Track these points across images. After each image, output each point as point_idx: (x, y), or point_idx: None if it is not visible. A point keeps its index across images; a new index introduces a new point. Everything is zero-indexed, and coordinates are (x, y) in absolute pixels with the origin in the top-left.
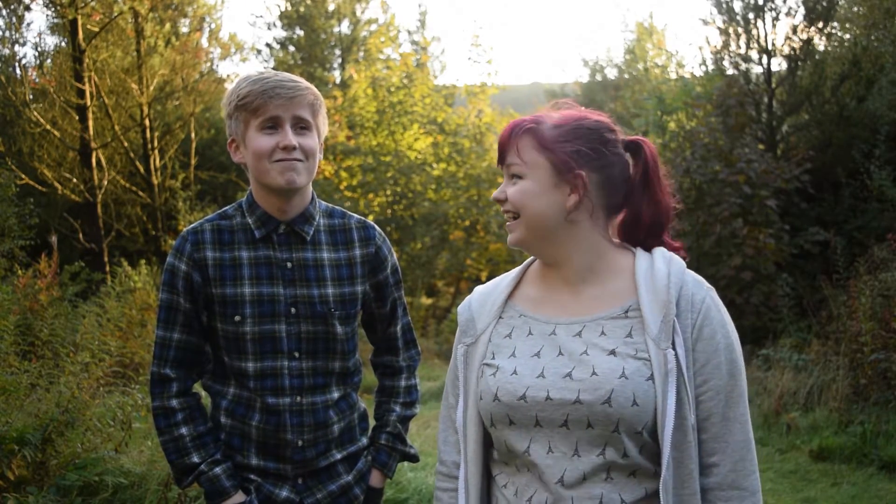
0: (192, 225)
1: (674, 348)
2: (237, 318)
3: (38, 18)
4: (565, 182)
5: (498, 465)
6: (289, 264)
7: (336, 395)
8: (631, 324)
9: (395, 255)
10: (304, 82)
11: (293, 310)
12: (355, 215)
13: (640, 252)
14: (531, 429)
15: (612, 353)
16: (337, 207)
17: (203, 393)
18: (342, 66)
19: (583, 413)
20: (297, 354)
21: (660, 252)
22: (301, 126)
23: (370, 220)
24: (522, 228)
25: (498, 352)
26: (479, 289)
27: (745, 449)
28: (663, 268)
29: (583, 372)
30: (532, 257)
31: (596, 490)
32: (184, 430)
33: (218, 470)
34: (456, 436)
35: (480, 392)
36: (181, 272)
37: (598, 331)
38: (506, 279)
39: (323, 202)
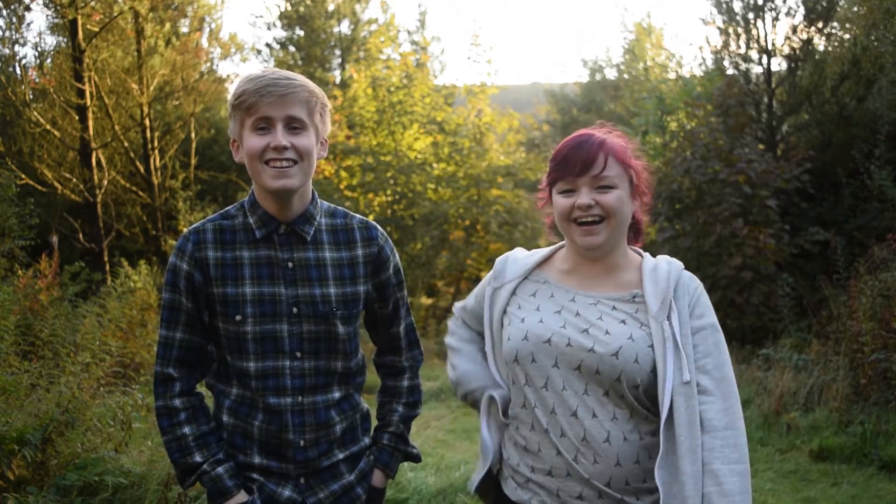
0: (194, 225)
1: (669, 322)
2: (238, 317)
3: (38, 18)
4: (636, 192)
5: (512, 406)
6: (290, 264)
7: (338, 394)
8: (637, 307)
9: (397, 256)
10: (299, 80)
11: (295, 309)
12: (358, 215)
13: (647, 256)
14: (549, 368)
15: (623, 322)
16: (339, 207)
17: (206, 392)
18: (342, 66)
19: (594, 360)
20: (298, 354)
21: (664, 258)
22: (294, 125)
23: (371, 220)
24: (608, 231)
25: (524, 305)
26: (517, 250)
27: (735, 396)
28: (665, 266)
29: (598, 331)
30: (560, 244)
31: (605, 426)
32: (187, 430)
33: (220, 470)
34: (462, 330)
35: (509, 334)
36: (183, 272)
37: (610, 306)
38: (539, 252)
39: (325, 202)
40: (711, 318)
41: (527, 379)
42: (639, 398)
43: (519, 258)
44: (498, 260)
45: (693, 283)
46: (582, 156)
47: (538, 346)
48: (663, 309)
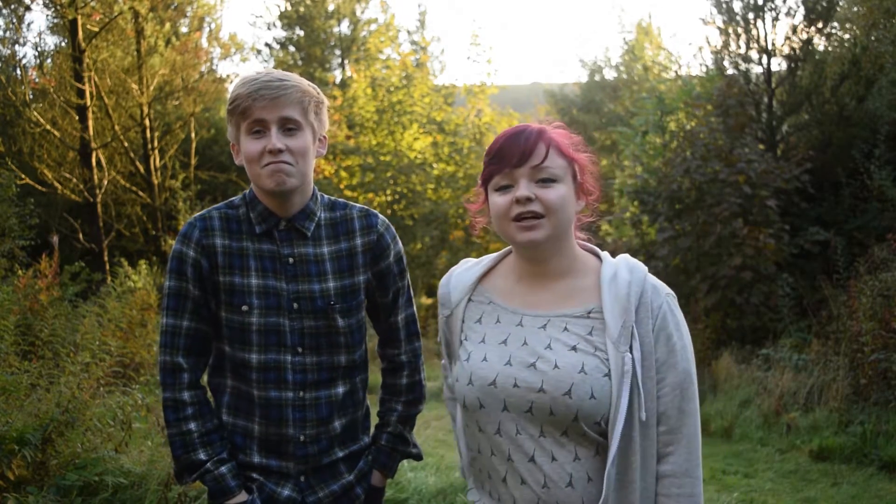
0: (199, 213)
1: (631, 352)
2: (244, 307)
3: (38, 18)
4: (580, 189)
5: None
6: (291, 259)
7: (341, 390)
8: (592, 324)
9: (400, 244)
10: (292, 80)
11: (296, 305)
12: (358, 205)
13: (606, 258)
14: (499, 412)
15: (574, 348)
16: (339, 200)
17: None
18: (342, 66)
19: (546, 402)
20: (300, 350)
21: (624, 260)
22: (289, 127)
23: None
24: (549, 229)
25: (469, 336)
26: (456, 268)
27: (697, 440)
28: (626, 276)
29: (546, 364)
30: (506, 249)
31: (566, 469)
32: (192, 426)
33: (224, 469)
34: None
35: (457, 376)
36: (190, 258)
37: (561, 327)
38: (481, 262)
39: (326, 196)
40: (681, 340)
41: (478, 425)
42: (603, 433)
43: (462, 275)
44: (441, 285)
45: (658, 300)
46: (520, 146)
47: (483, 390)
48: (624, 335)
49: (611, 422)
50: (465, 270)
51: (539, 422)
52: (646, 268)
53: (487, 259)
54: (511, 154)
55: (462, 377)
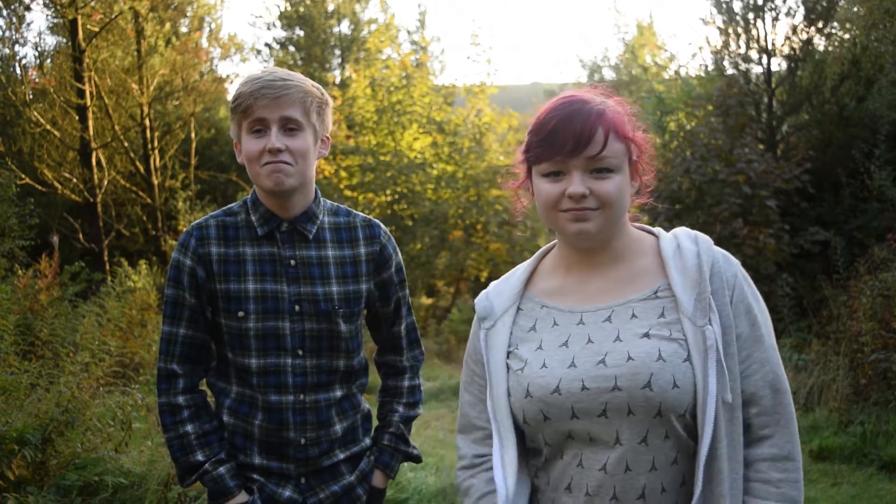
0: (197, 221)
1: (711, 325)
2: (241, 313)
3: (38, 18)
4: (634, 171)
5: (530, 460)
6: (292, 262)
7: (339, 393)
8: (662, 304)
9: (400, 255)
10: (295, 80)
11: (297, 307)
12: (361, 214)
13: (661, 233)
14: (567, 422)
15: (646, 335)
16: (342, 206)
17: (207, 391)
18: (342, 66)
19: (623, 400)
20: (300, 352)
21: (683, 231)
22: (289, 127)
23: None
24: (602, 221)
25: (522, 345)
26: (494, 282)
27: (794, 420)
28: (691, 247)
29: (617, 358)
30: (542, 250)
31: (640, 480)
32: (189, 428)
33: (222, 470)
34: (474, 434)
35: (510, 388)
36: (186, 267)
37: (628, 314)
38: (519, 269)
39: (328, 201)
40: (762, 313)
41: (544, 438)
42: (689, 428)
43: (501, 289)
44: (478, 302)
45: (731, 268)
46: (575, 131)
47: (545, 400)
48: (701, 308)
49: (699, 405)
50: (504, 280)
51: (615, 426)
52: (709, 238)
53: (525, 265)
54: (564, 140)
55: (517, 391)
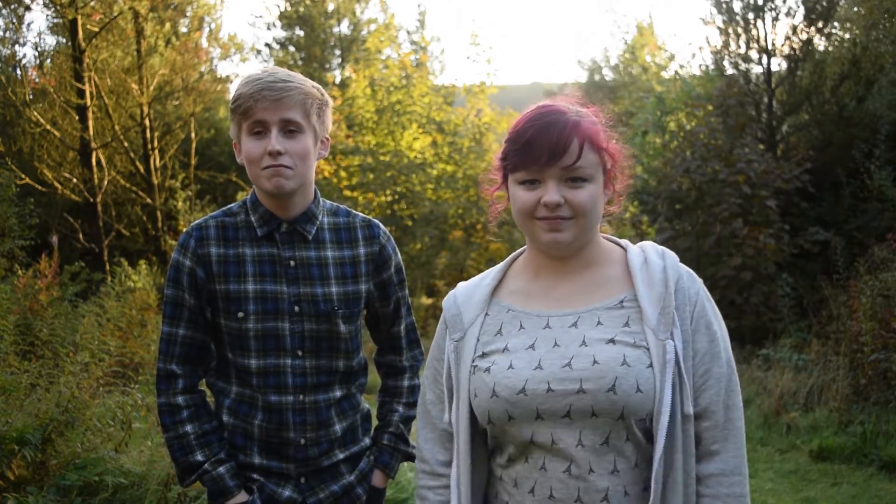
0: (196, 221)
1: (672, 339)
2: (240, 314)
3: (38, 18)
4: (607, 180)
5: (494, 458)
6: (292, 262)
7: (339, 393)
8: (628, 314)
9: (399, 255)
10: (296, 81)
11: (297, 308)
12: (360, 214)
13: (629, 245)
14: (532, 422)
15: (611, 341)
16: (342, 206)
17: (207, 391)
18: (342, 66)
19: (587, 403)
20: (300, 353)
21: (651, 246)
22: (290, 129)
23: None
24: (577, 230)
25: (489, 349)
26: (462, 284)
27: (743, 436)
28: (658, 261)
29: (583, 361)
30: (512, 256)
31: (602, 482)
32: (188, 428)
33: (222, 469)
34: (435, 433)
35: (474, 389)
36: (186, 268)
37: (593, 321)
38: (489, 274)
39: (328, 201)
40: (721, 329)
41: (508, 439)
42: (649, 433)
43: (470, 294)
44: (445, 305)
45: (694, 286)
46: (551, 140)
47: (510, 400)
48: (664, 322)
49: (655, 415)
50: (474, 287)
51: (578, 428)
52: (675, 255)
53: (494, 270)
54: (540, 150)
55: (483, 391)
